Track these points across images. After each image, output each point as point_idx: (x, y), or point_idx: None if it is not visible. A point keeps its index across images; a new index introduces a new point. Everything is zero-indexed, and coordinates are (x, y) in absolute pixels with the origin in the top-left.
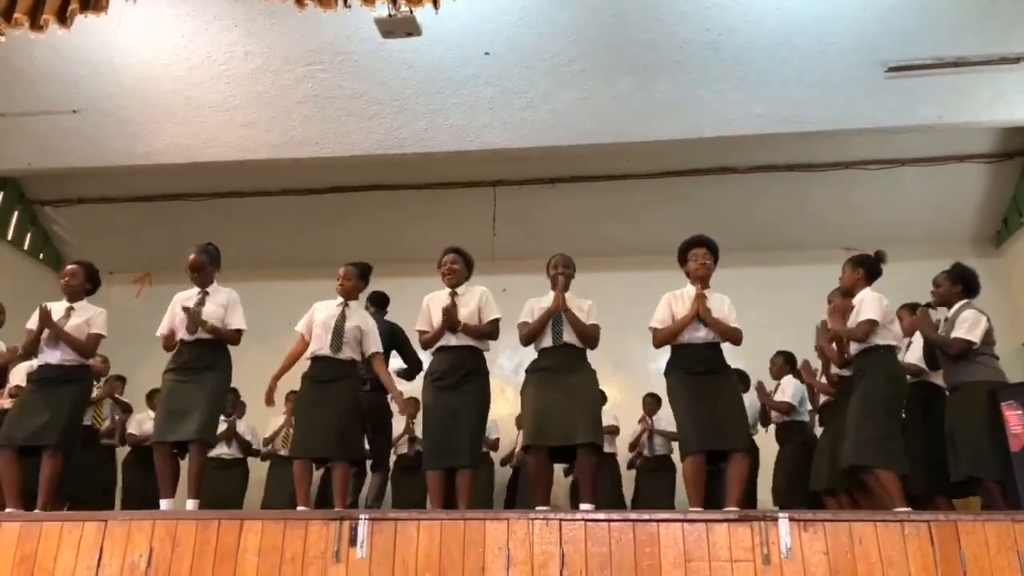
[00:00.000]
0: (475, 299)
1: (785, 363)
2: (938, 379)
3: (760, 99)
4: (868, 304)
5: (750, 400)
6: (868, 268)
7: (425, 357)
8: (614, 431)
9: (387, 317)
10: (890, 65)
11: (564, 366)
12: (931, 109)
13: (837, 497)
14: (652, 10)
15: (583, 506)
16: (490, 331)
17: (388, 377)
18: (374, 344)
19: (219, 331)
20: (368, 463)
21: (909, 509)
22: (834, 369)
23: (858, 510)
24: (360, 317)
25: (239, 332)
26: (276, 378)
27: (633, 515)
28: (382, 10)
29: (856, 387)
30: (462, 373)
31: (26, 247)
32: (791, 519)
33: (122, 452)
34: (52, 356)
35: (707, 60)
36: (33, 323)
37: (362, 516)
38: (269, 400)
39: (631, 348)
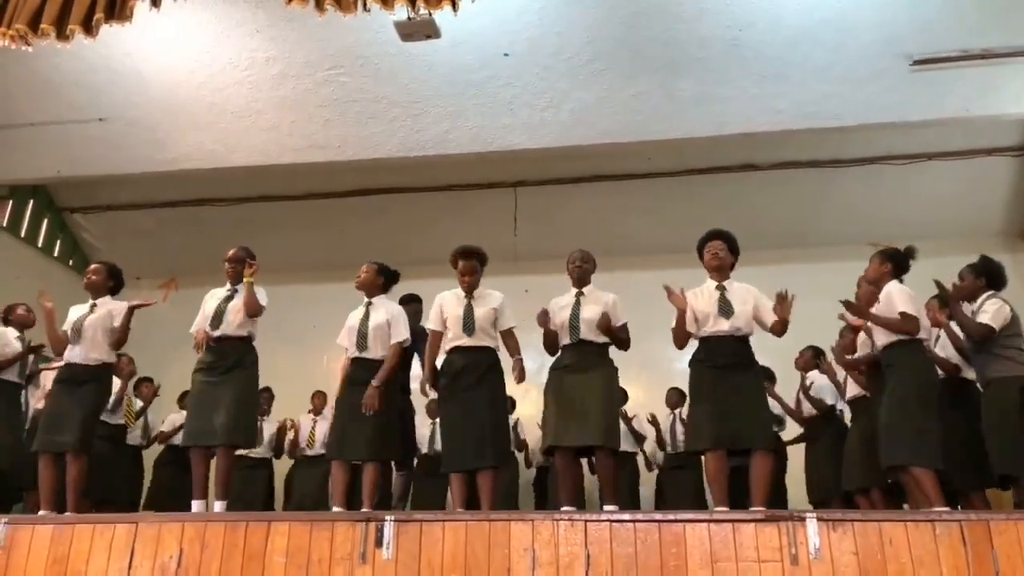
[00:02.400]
0: (491, 303)
1: (813, 356)
2: (970, 373)
3: (782, 95)
4: (899, 298)
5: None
6: (897, 263)
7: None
8: (641, 439)
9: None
10: (915, 58)
11: (583, 364)
12: (958, 102)
13: (870, 496)
14: (671, 8)
15: (606, 507)
16: (509, 342)
17: (390, 369)
18: (396, 334)
19: (251, 292)
20: (393, 463)
21: (947, 508)
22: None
23: (891, 510)
24: (385, 312)
25: (262, 306)
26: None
27: (659, 515)
28: (401, 13)
29: (886, 383)
30: (479, 372)
31: (56, 254)
32: (819, 519)
33: (149, 453)
34: (76, 354)
35: (728, 57)
36: (69, 324)
37: (388, 517)
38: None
39: (655, 347)
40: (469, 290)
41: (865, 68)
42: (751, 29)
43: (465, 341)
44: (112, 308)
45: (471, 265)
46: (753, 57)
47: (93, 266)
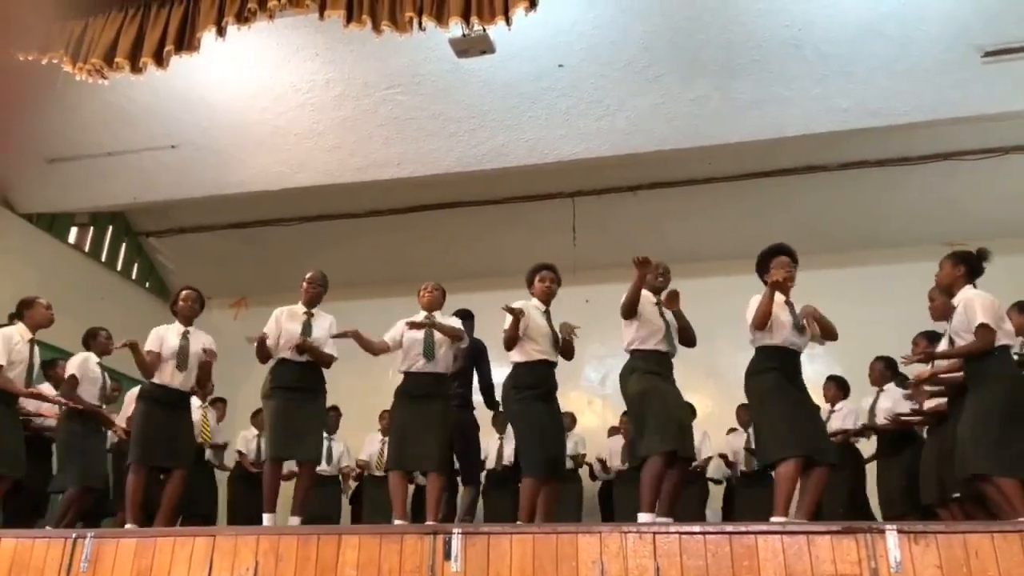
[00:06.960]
0: (557, 322)
1: (886, 368)
2: None
3: (846, 93)
4: (977, 307)
5: (853, 406)
6: (970, 265)
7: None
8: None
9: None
10: (986, 49)
11: (670, 374)
12: None
13: (950, 508)
14: (727, 10)
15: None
16: None
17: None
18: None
19: (322, 354)
20: (459, 478)
21: None
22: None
23: (975, 520)
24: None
25: (332, 359)
26: (357, 336)
27: (730, 527)
28: (456, 30)
29: (970, 393)
30: (553, 388)
31: (133, 276)
32: (900, 531)
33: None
34: (177, 380)
35: (787, 57)
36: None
37: (456, 530)
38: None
39: (720, 355)
40: (546, 300)
41: (933, 62)
42: (810, 28)
43: (552, 357)
44: (204, 341)
45: (554, 275)
46: (814, 56)
47: (190, 292)
